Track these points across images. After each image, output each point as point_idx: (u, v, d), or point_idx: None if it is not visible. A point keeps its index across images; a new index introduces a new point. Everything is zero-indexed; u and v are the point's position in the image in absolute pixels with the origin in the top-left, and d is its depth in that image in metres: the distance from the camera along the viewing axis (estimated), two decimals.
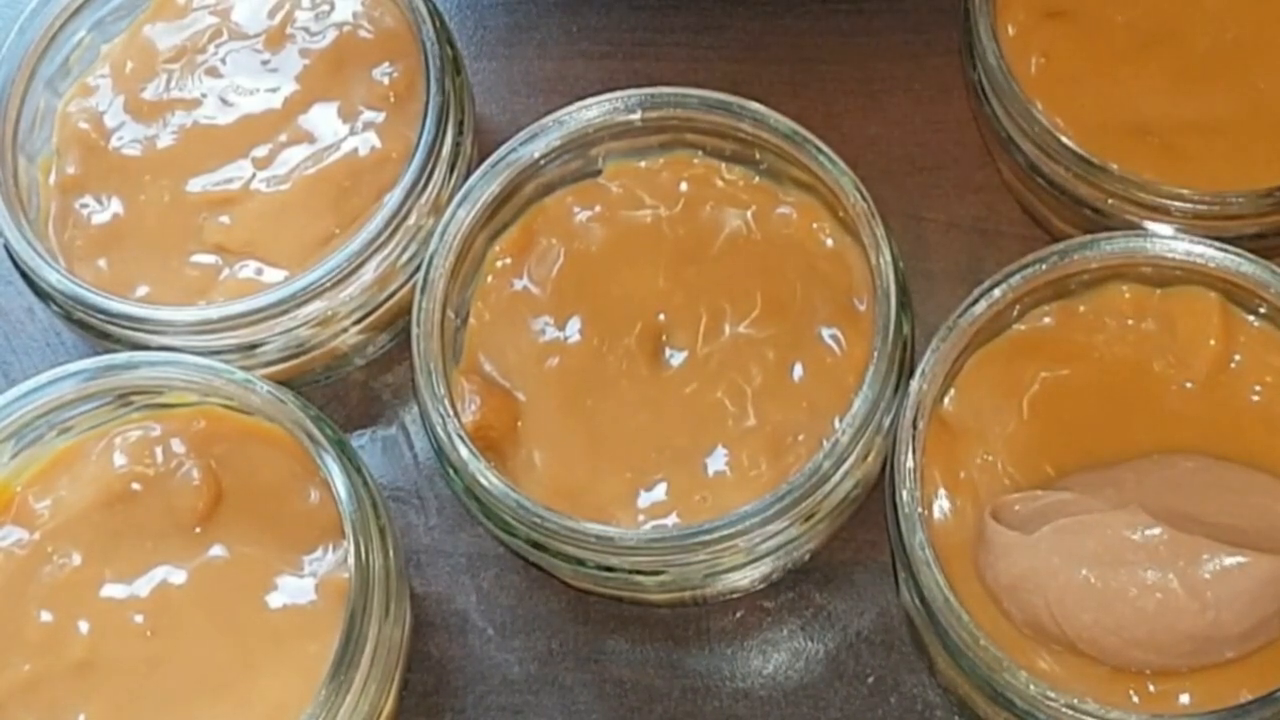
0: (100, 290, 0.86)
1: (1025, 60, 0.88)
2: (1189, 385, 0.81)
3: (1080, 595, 0.74)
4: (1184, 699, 0.75)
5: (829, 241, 0.85)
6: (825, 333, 0.83)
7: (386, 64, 0.91)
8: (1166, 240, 0.81)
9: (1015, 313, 0.82)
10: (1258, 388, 0.80)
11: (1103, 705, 0.72)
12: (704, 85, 0.85)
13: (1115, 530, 0.74)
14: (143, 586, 0.80)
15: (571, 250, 0.86)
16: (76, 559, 0.81)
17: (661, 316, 0.84)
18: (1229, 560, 0.73)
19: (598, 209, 0.87)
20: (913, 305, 0.82)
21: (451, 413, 0.80)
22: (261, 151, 0.90)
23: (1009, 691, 0.74)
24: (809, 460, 0.78)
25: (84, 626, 0.79)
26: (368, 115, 0.90)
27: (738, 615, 0.86)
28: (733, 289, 0.85)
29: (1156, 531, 0.74)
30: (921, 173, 0.94)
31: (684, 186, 0.87)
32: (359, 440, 0.91)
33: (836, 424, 0.80)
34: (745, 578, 0.83)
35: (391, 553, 0.79)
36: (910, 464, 0.77)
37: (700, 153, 0.87)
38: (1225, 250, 0.80)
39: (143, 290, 0.88)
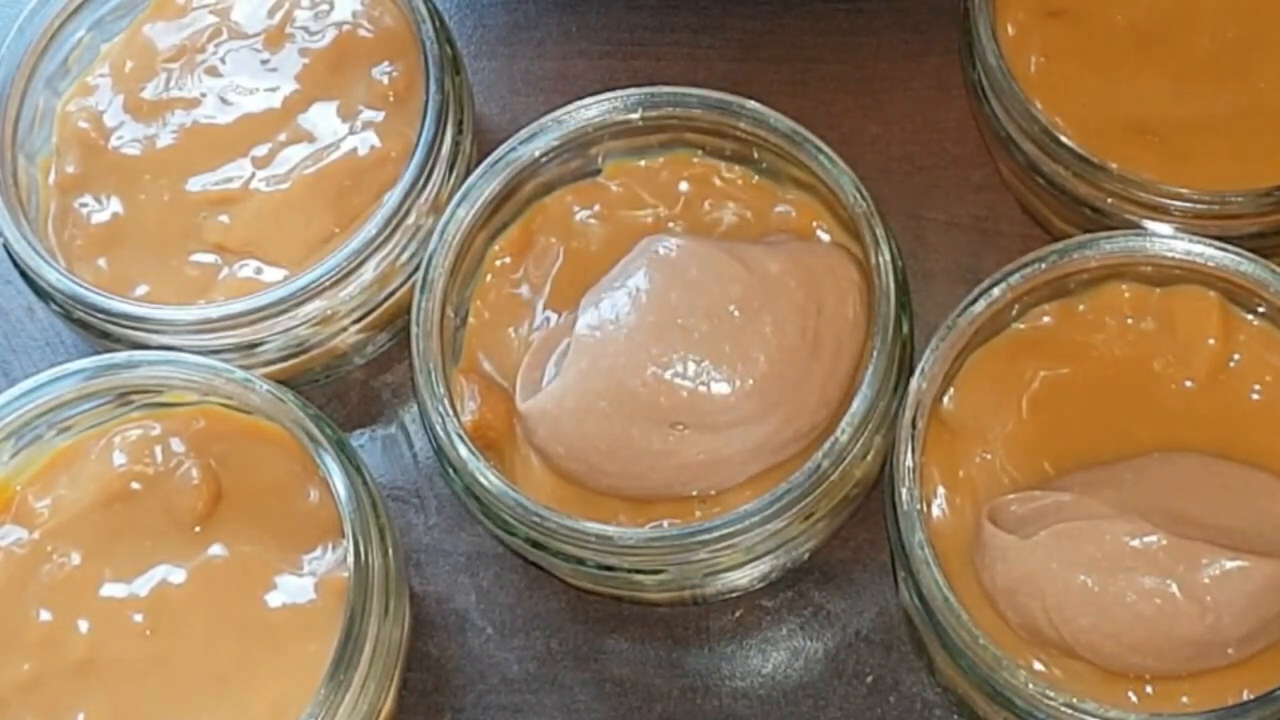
0: (100, 289, 0.86)
1: (1025, 60, 0.88)
2: (1189, 384, 0.81)
3: (1078, 600, 0.74)
4: (1183, 700, 0.75)
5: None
6: None
7: (386, 63, 0.91)
8: (1166, 239, 0.81)
9: (1015, 312, 0.82)
10: (1257, 387, 0.80)
11: (1102, 704, 0.72)
12: (704, 85, 0.85)
13: (1114, 535, 0.74)
14: (142, 586, 0.80)
15: (571, 249, 0.86)
16: (76, 558, 0.81)
17: None
18: (1229, 564, 0.73)
19: (597, 208, 0.87)
20: (912, 304, 0.82)
21: (451, 412, 0.80)
22: (261, 151, 0.90)
23: (1008, 691, 0.74)
24: (808, 459, 0.78)
25: (84, 626, 0.79)
26: (367, 114, 0.90)
27: (737, 614, 0.86)
28: None
29: (1155, 537, 0.73)
30: (921, 172, 0.94)
31: (684, 186, 0.87)
32: (359, 439, 0.91)
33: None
34: (744, 577, 0.83)
35: (391, 552, 0.79)
36: (909, 463, 0.77)
37: (700, 152, 0.87)
38: (1225, 249, 0.80)
39: (142, 289, 0.88)
